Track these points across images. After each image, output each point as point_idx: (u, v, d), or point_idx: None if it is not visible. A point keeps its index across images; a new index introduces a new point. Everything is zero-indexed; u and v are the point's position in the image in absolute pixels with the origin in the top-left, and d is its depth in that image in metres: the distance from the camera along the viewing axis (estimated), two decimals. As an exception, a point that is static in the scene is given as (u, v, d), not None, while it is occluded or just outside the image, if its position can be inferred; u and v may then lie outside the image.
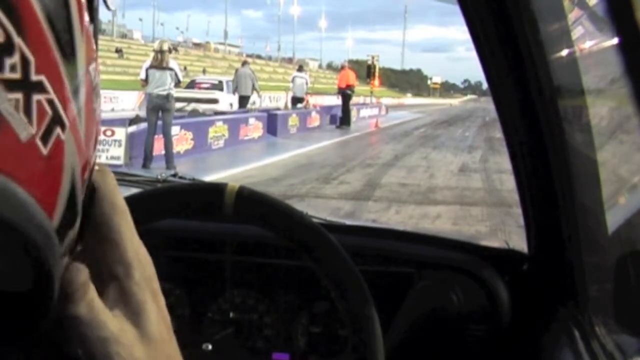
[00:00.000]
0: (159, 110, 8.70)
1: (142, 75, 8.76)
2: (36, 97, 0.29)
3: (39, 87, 0.30)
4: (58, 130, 0.31)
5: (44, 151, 0.30)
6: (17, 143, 0.29)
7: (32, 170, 0.30)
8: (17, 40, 0.28)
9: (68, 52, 0.32)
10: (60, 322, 0.36)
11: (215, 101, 16.03)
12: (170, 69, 8.62)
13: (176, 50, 8.72)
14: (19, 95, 0.29)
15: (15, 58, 0.28)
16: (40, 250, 0.29)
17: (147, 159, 8.71)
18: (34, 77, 0.29)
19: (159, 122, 8.77)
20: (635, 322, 0.84)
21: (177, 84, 8.82)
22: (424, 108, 45.92)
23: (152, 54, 8.90)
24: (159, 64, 8.56)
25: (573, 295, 0.98)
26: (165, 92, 8.57)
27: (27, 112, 0.29)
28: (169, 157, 8.81)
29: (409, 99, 72.06)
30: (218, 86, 17.64)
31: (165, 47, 8.86)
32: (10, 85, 0.28)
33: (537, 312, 1.05)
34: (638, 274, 0.82)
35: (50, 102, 0.30)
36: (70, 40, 0.32)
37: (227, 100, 16.76)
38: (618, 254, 0.86)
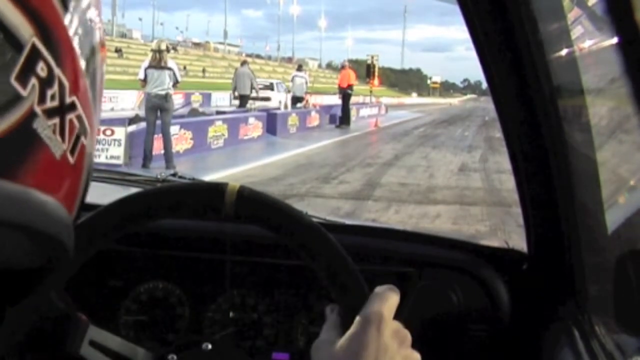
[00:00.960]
0: (157, 109, 8.66)
1: (141, 75, 8.71)
2: (69, 116, 0.32)
3: (72, 108, 0.32)
4: (82, 138, 0.34)
5: (72, 161, 0.33)
6: (52, 161, 0.31)
7: (61, 180, 0.32)
8: (57, 71, 0.30)
9: (91, 64, 0.34)
10: (61, 322, 0.38)
11: (268, 99, 18.96)
12: (169, 69, 8.58)
13: (175, 49, 8.75)
14: (56, 120, 0.31)
15: (55, 88, 0.30)
16: (65, 244, 0.33)
17: (147, 159, 8.70)
18: (68, 100, 0.32)
19: (158, 122, 8.77)
20: (635, 322, 0.84)
21: (176, 83, 8.76)
22: (424, 107, 45.90)
23: (150, 54, 8.87)
24: (157, 63, 8.52)
25: (573, 295, 0.98)
26: (164, 92, 8.53)
27: (62, 132, 0.31)
28: (168, 156, 8.80)
29: (413, 99, 71.64)
30: (270, 87, 21.63)
31: (163, 46, 8.81)
32: (50, 113, 0.30)
33: (537, 312, 1.05)
34: (638, 274, 0.82)
35: (79, 117, 0.33)
36: (93, 52, 0.34)
37: (278, 99, 20.29)
38: (618, 254, 0.86)
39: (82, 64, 0.33)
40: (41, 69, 0.29)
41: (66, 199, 0.33)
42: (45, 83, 0.30)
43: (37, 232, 0.30)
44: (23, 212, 0.29)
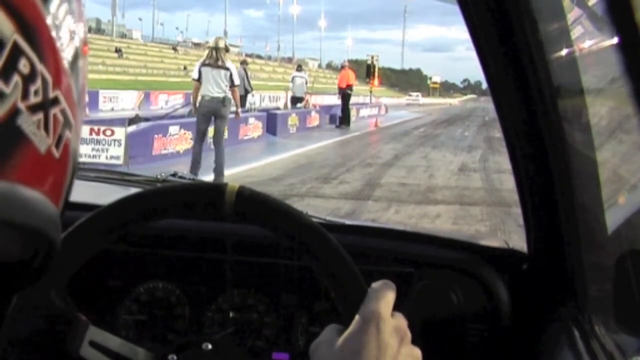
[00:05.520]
0: (212, 116, 7.64)
1: (195, 75, 7.59)
2: (53, 111, 0.32)
3: (55, 102, 0.32)
4: (67, 132, 0.34)
5: (57, 155, 0.33)
6: (37, 156, 0.31)
7: (47, 174, 0.33)
8: (40, 66, 0.31)
9: (73, 58, 0.34)
10: (61, 322, 0.38)
11: (417, 101, 44.96)
12: (227, 69, 7.49)
13: (227, 50, 7.27)
14: (40, 116, 0.31)
15: (38, 83, 0.31)
16: (51, 237, 0.33)
17: (195, 168, 7.75)
18: (51, 95, 0.32)
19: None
20: (635, 322, 0.84)
21: (232, 86, 7.60)
22: (424, 107, 45.93)
23: (206, 52, 7.82)
24: (214, 62, 7.43)
25: (573, 295, 0.98)
26: (221, 95, 7.45)
27: (46, 127, 0.32)
28: (218, 169, 7.83)
29: (417, 99, 71.85)
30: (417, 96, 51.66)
31: (222, 44, 7.67)
32: (34, 108, 0.30)
33: (537, 312, 1.05)
34: (638, 274, 0.82)
35: (63, 111, 0.33)
36: (75, 47, 0.34)
37: (421, 101, 51.21)
38: (618, 254, 0.86)
39: (65, 58, 0.33)
40: (24, 66, 0.29)
41: (52, 192, 0.33)
42: (28, 79, 0.30)
43: (22, 226, 0.30)
44: (7, 208, 0.29)
